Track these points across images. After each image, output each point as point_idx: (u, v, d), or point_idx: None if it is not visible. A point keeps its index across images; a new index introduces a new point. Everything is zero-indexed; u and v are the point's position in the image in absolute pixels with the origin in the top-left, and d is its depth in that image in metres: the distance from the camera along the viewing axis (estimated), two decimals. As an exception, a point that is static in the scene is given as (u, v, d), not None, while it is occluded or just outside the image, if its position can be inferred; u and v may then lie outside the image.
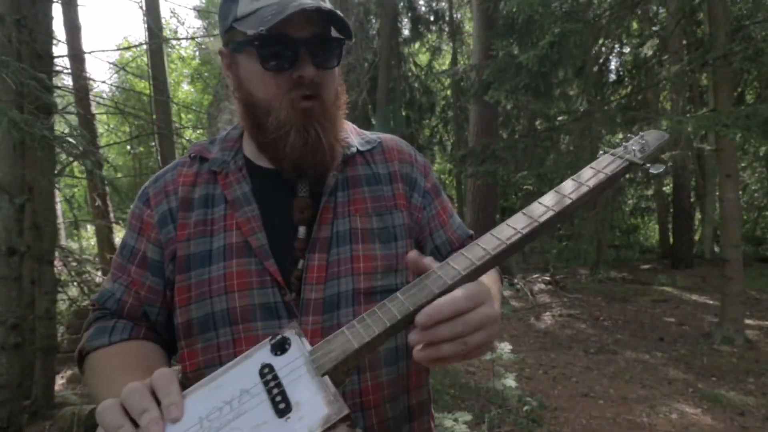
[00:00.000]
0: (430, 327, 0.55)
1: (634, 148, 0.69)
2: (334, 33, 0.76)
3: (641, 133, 0.71)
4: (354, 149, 0.85)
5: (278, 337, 0.59)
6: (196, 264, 0.76)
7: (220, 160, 0.83)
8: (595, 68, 7.28)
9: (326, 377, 0.56)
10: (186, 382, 0.73)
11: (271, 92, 0.74)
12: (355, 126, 0.94)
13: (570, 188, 0.65)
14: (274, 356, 0.58)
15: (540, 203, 0.64)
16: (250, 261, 0.75)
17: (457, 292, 0.56)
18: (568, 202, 0.63)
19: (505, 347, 2.95)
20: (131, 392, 0.52)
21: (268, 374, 0.57)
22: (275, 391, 0.56)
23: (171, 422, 0.51)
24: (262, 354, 0.59)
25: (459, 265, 0.59)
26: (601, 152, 0.70)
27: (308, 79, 0.73)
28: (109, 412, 0.51)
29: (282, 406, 0.54)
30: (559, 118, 7.39)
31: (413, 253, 0.62)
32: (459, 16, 12.81)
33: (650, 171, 0.67)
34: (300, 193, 0.80)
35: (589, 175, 0.66)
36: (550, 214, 0.62)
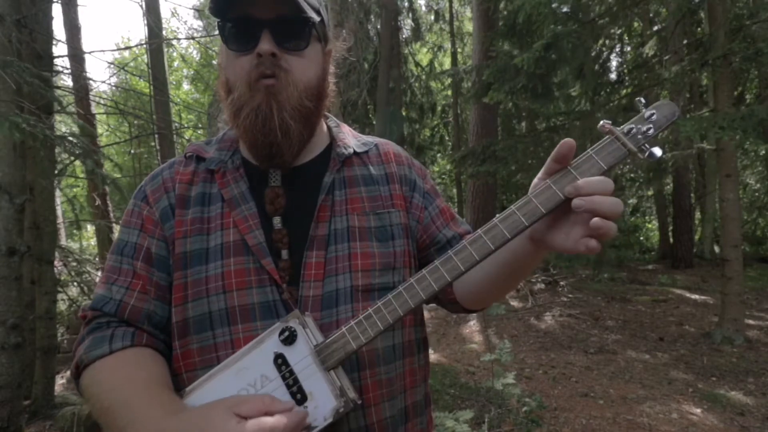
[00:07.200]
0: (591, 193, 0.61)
1: (640, 129, 0.64)
2: (311, 15, 0.73)
3: (654, 107, 0.65)
4: (351, 150, 0.86)
5: (286, 332, 0.68)
6: (193, 262, 0.75)
7: (218, 159, 0.83)
8: (596, 68, 7.27)
9: (332, 372, 0.67)
10: (179, 383, 0.73)
11: (236, 74, 0.75)
12: (351, 129, 0.95)
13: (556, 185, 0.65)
14: (284, 346, 0.68)
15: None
16: (248, 259, 0.75)
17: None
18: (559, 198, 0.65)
19: (504, 346, 2.95)
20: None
21: (282, 364, 0.68)
22: (291, 381, 0.67)
23: None
24: (272, 342, 0.69)
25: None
26: (607, 129, 0.64)
27: (265, 56, 0.71)
28: None
29: (299, 396, 0.66)
30: (560, 119, 7.39)
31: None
32: (459, 16, 12.81)
33: (648, 159, 0.63)
34: (272, 183, 0.80)
35: (586, 168, 0.64)
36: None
